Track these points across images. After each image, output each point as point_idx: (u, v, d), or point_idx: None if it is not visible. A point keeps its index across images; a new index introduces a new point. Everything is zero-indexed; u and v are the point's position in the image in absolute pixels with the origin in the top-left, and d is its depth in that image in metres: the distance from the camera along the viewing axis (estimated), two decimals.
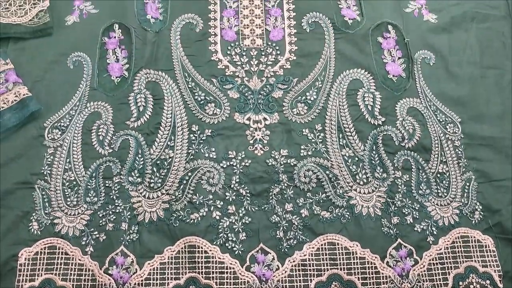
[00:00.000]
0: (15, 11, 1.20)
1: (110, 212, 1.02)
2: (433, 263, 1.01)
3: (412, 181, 1.08)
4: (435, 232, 1.03)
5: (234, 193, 1.04)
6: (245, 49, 1.22)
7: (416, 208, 1.05)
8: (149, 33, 1.21)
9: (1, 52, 1.15)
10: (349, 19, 1.26)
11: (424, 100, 1.16)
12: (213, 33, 1.23)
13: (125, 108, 1.12)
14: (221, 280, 0.97)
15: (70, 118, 1.10)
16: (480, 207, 1.06)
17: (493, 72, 1.21)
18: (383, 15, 1.28)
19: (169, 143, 1.08)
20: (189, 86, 1.15)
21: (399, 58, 1.22)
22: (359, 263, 0.99)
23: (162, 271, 0.97)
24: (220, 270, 0.98)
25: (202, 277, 0.97)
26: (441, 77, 1.20)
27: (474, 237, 1.03)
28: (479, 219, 1.05)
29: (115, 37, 1.22)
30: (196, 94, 1.15)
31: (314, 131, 1.12)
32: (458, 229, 1.04)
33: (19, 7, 1.20)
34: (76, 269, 0.97)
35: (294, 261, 0.99)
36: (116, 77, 1.16)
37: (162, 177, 1.05)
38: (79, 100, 1.12)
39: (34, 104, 1.08)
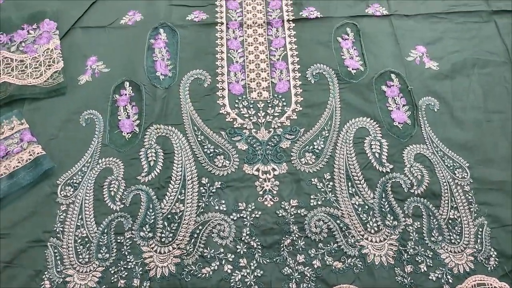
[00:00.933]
0: (30, 73, 1.25)
1: (122, 268, 1.01)
2: None
3: (423, 228, 1.06)
4: (450, 281, 1.01)
5: (245, 246, 1.04)
6: (252, 101, 1.25)
7: (430, 255, 1.03)
8: (159, 90, 1.26)
9: (17, 112, 1.19)
10: (352, 69, 1.30)
11: (431, 146, 1.17)
12: (221, 88, 1.27)
13: (136, 163, 1.14)
14: None
15: (82, 174, 1.12)
16: (495, 253, 1.04)
17: (498, 116, 1.22)
18: (386, 64, 1.31)
19: (179, 196, 1.09)
20: (199, 139, 1.18)
21: (403, 105, 1.24)
22: None
23: None
24: None
25: None
26: (447, 123, 1.21)
27: (491, 284, 1.01)
28: (494, 265, 1.02)
29: (126, 94, 1.26)
30: (205, 147, 1.17)
31: (323, 180, 1.12)
32: (474, 276, 1.01)
33: (35, 69, 1.25)
34: None
35: None
36: (127, 133, 1.19)
37: (173, 231, 1.05)
38: (91, 156, 1.15)
39: (48, 162, 1.11)
